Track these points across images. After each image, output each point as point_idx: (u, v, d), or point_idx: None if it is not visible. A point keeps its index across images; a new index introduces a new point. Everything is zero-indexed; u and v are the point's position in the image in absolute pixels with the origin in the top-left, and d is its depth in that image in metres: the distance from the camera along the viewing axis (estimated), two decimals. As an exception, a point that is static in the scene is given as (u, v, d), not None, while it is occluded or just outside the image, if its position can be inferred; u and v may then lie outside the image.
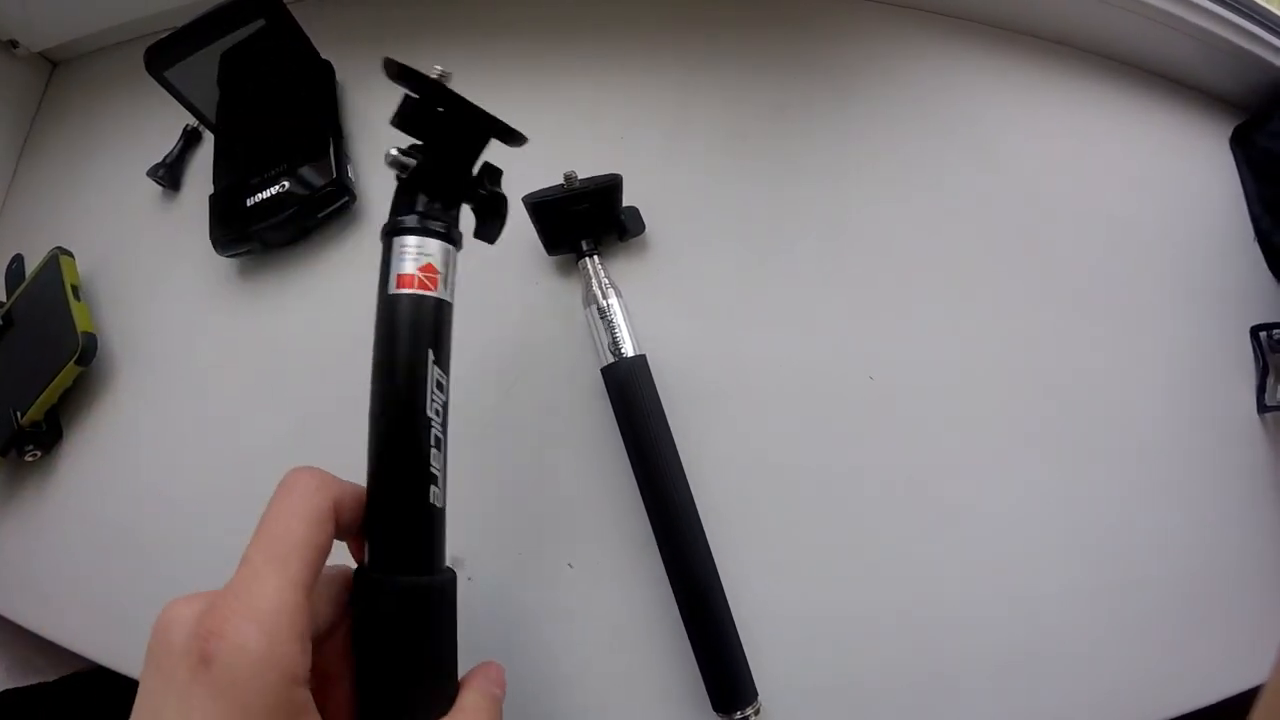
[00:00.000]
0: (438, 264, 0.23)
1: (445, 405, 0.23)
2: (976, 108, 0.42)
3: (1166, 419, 0.39)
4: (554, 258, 0.39)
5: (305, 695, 0.18)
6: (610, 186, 0.35)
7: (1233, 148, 0.45)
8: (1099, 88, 0.44)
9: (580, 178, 0.34)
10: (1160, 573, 0.36)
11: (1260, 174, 0.43)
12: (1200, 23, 0.42)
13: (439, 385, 0.23)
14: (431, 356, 0.22)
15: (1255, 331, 0.40)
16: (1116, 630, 0.35)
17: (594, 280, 0.35)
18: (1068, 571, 0.35)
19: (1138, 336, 0.40)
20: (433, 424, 0.22)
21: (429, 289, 0.23)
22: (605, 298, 0.35)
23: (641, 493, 0.33)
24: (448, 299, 0.23)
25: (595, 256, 0.36)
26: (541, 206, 0.35)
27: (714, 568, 0.33)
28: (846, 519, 0.35)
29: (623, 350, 0.34)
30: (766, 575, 0.34)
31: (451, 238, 0.24)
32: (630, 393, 0.33)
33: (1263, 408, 0.40)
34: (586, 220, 0.36)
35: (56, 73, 0.56)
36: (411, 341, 0.22)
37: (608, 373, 0.34)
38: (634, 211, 0.39)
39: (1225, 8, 0.41)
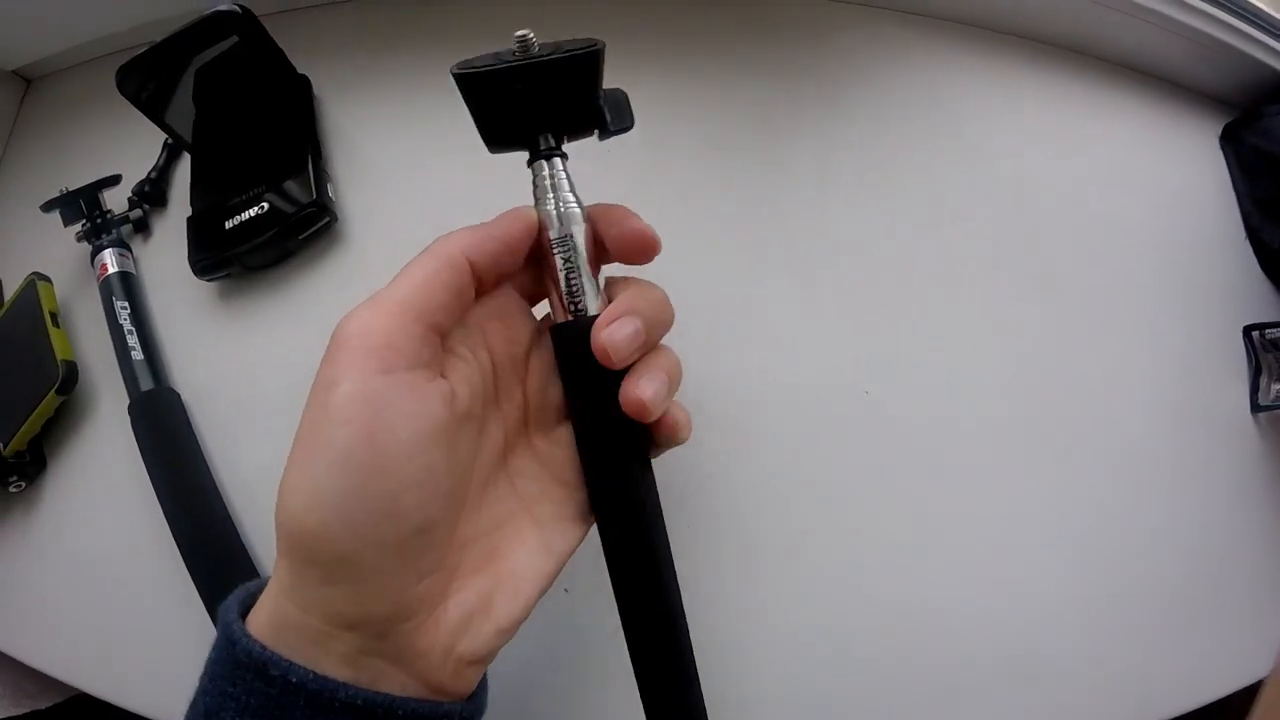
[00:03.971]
0: None
1: None
2: (962, 109, 0.42)
3: (1159, 420, 0.39)
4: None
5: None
6: (587, 56, 0.22)
7: (1222, 146, 0.44)
8: (1086, 87, 0.44)
9: (540, 44, 0.23)
10: (1154, 573, 0.36)
11: (1250, 172, 0.43)
12: (1189, 21, 0.41)
13: None
14: None
15: (1248, 331, 0.40)
16: (1110, 632, 0.35)
17: (550, 197, 0.23)
18: (1062, 575, 0.35)
19: (1130, 337, 0.40)
20: None
21: None
22: (565, 225, 0.23)
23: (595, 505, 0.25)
24: None
25: (557, 159, 0.24)
26: (479, 81, 0.22)
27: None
28: (840, 531, 0.35)
29: (583, 306, 0.23)
30: (760, 591, 0.34)
31: None
32: (584, 361, 0.22)
33: (1256, 407, 0.40)
34: (548, 105, 0.24)
35: (31, 90, 0.54)
36: None
37: (558, 333, 0.24)
38: (619, 96, 0.25)
39: (1215, 5, 0.41)
